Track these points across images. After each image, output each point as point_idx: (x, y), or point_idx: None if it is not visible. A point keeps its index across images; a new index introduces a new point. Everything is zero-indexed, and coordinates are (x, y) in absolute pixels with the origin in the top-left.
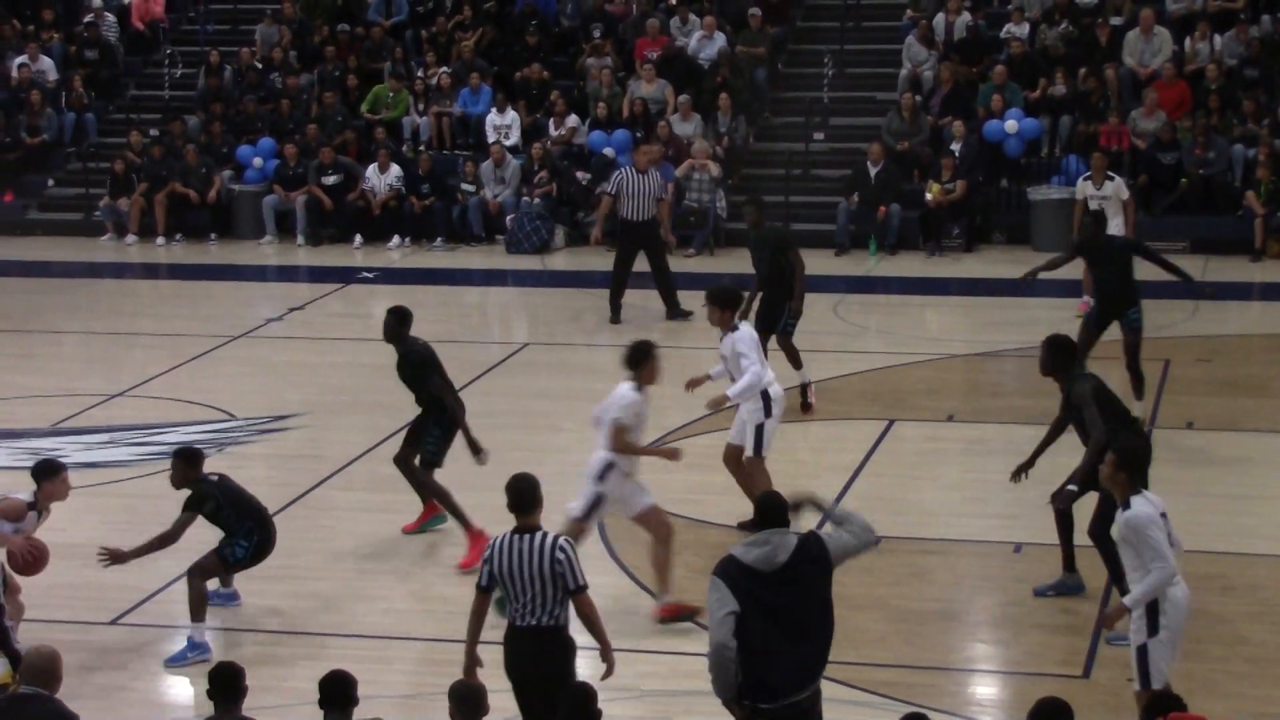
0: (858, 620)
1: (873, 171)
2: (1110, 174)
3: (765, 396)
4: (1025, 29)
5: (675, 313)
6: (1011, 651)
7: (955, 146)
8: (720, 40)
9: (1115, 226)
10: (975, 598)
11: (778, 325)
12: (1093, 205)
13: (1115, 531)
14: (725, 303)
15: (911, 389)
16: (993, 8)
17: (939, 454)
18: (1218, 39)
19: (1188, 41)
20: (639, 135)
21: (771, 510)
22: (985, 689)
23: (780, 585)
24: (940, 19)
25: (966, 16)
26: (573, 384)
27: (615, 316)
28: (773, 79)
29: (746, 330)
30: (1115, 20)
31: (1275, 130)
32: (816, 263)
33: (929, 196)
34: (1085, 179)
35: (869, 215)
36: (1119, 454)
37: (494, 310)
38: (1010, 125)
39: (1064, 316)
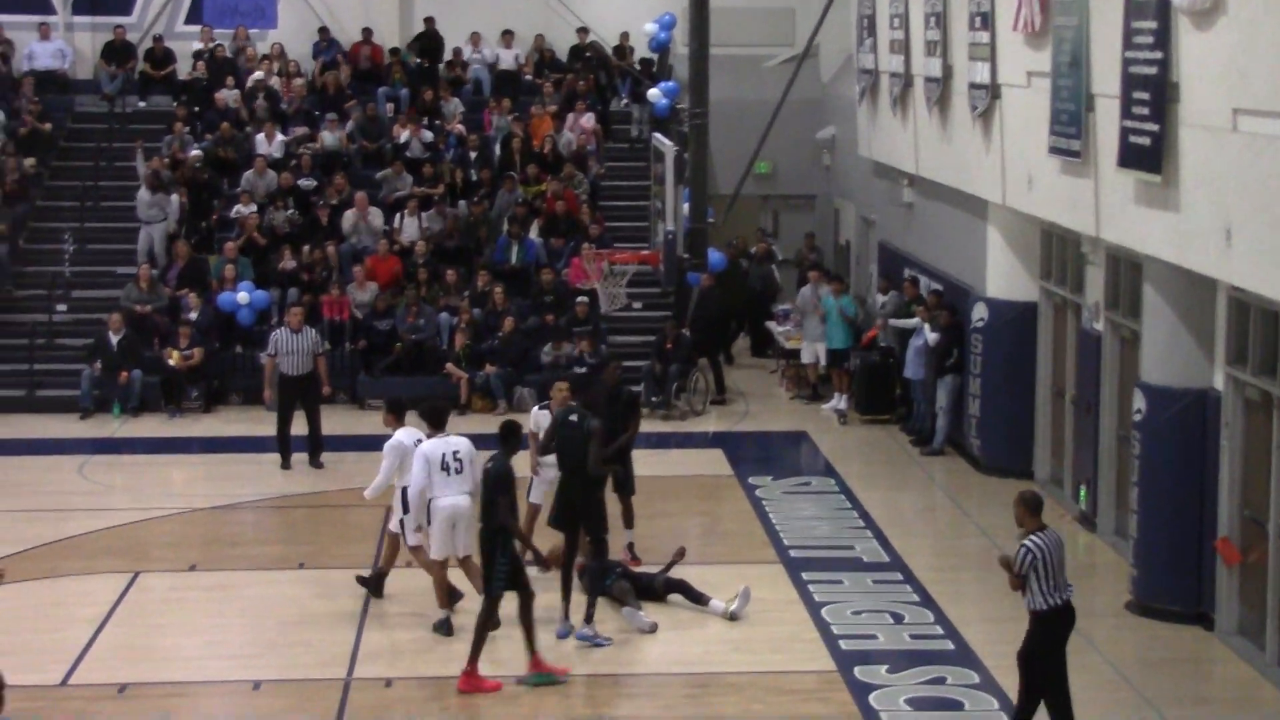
0: None
1: (114, 339)
2: None
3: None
4: (254, 209)
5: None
6: None
7: (192, 315)
8: None
9: None
10: None
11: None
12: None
13: None
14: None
15: (156, 542)
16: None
17: (182, 602)
18: (423, 217)
19: (397, 220)
20: None
21: None
22: None
23: None
24: None
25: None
26: None
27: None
28: (14, 254)
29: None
30: (333, 202)
31: (473, 300)
32: (62, 426)
33: (170, 362)
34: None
35: (112, 380)
36: None
37: None
38: (242, 296)
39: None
